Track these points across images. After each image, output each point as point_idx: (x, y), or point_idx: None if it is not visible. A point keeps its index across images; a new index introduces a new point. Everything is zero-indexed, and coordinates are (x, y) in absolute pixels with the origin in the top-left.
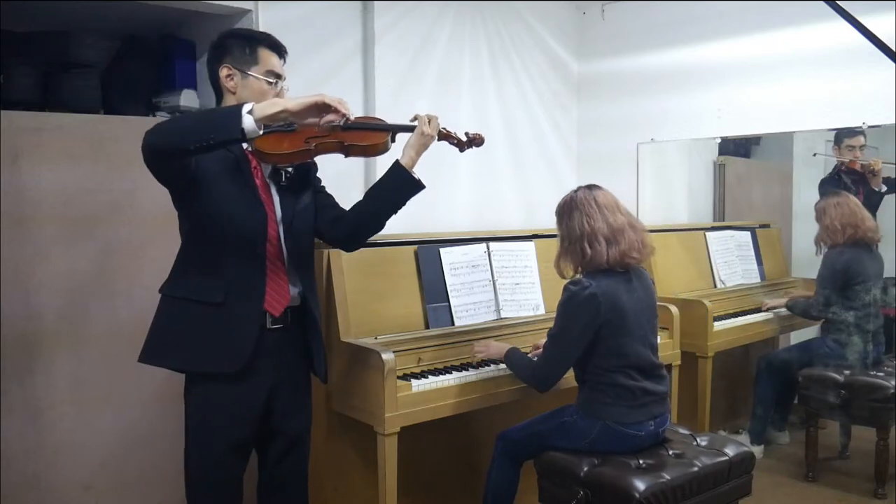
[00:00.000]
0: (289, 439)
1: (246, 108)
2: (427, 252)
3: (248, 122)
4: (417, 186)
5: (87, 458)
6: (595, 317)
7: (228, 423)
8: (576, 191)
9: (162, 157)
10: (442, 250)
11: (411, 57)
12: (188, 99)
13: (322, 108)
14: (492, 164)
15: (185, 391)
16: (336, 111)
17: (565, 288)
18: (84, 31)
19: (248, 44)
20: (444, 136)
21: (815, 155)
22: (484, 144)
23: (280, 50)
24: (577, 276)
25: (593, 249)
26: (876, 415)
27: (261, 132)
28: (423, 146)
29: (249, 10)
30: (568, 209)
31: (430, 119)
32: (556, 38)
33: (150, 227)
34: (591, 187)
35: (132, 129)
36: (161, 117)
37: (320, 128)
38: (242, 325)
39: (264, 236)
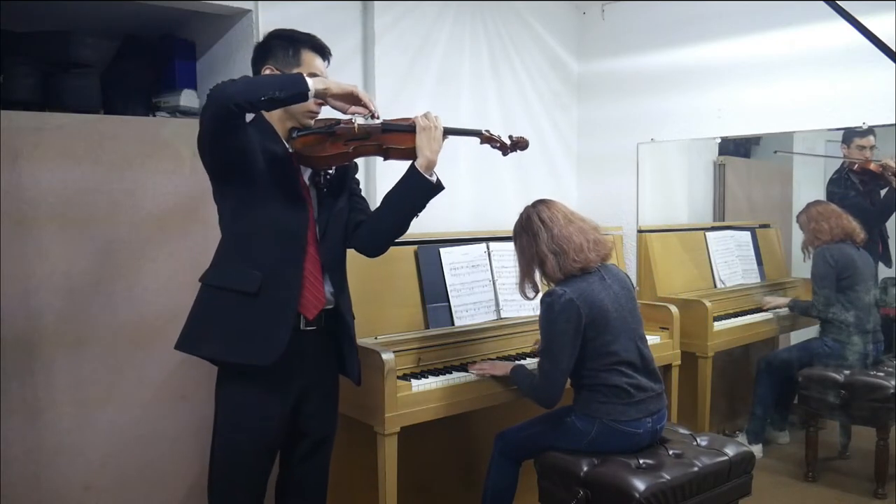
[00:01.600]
0: (314, 442)
1: (304, 76)
2: (427, 252)
3: (311, 85)
4: (435, 189)
5: (87, 458)
6: (578, 320)
7: (258, 423)
8: (523, 212)
9: (230, 108)
10: (442, 250)
11: (411, 57)
12: (188, 99)
13: (354, 98)
14: (492, 163)
15: (217, 388)
16: (365, 105)
17: (541, 301)
18: (84, 31)
19: (292, 45)
20: (487, 139)
21: (775, 152)
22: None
23: (324, 52)
24: (549, 287)
25: (545, 265)
26: (876, 415)
27: (311, 99)
28: (431, 140)
29: (249, 10)
30: (517, 233)
31: (425, 115)
32: (556, 38)
33: (150, 227)
34: (535, 205)
35: (132, 129)
36: (163, 116)
37: (360, 128)
38: (276, 318)
39: (305, 237)
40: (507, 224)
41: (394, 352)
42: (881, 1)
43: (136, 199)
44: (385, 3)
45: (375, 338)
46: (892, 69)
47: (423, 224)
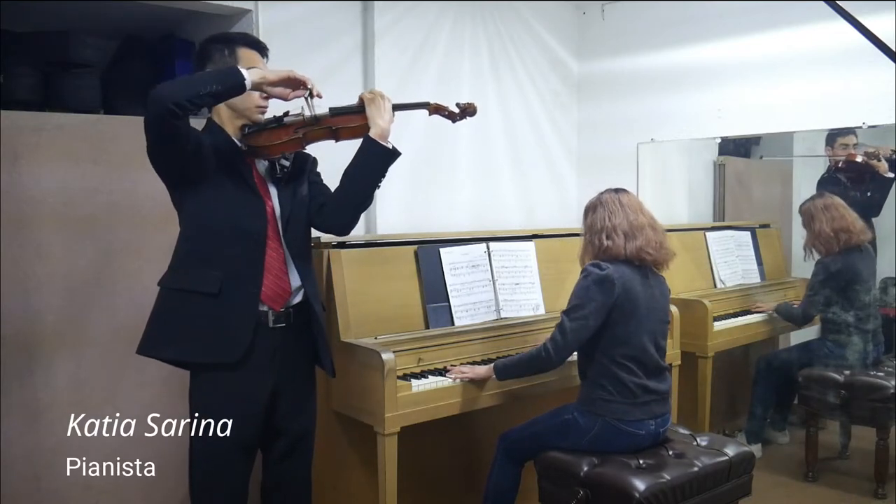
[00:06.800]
0: (292, 439)
1: (239, 68)
2: (427, 252)
3: (247, 75)
4: (393, 155)
5: (87, 458)
6: (608, 296)
7: (232, 419)
8: (603, 192)
9: (169, 109)
10: (442, 250)
11: (411, 57)
12: None
13: (293, 82)
14: (492, 163)
15: (190, 390)
16: (304, 85)
17: (583, 269)
18: (84, 31)
19: (227, 46)
20: (435, 109)
21: (799, 157)
22: (477, 114)
23: (259, 47)
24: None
25: (611, 240)
26: (876, 415)
27: (248, 89)
28: (381, 110)
29: (249, 10)
30: (592, 206)
31: (369, 91)
32: (556, 38)
33: (150, 227)
34: (617, 190)
35: (132, 129)
36: None
37: (307, 118)
38: (238, 316)
39: (263, 230)
40: (507, 224)
41: (394, 352)
42: (881, 1)
43: (136, 199)
44: (385, 3)
45: (375, 338)
46: (892, 69)
47: (423, 224)
